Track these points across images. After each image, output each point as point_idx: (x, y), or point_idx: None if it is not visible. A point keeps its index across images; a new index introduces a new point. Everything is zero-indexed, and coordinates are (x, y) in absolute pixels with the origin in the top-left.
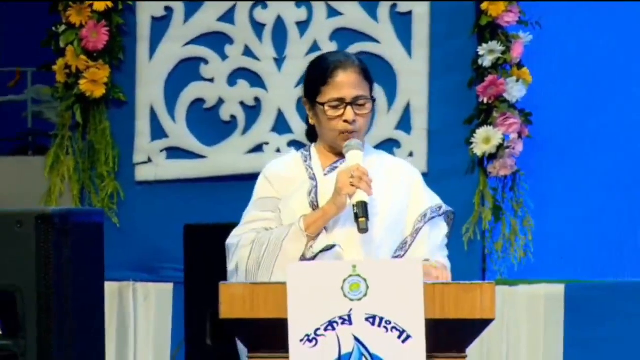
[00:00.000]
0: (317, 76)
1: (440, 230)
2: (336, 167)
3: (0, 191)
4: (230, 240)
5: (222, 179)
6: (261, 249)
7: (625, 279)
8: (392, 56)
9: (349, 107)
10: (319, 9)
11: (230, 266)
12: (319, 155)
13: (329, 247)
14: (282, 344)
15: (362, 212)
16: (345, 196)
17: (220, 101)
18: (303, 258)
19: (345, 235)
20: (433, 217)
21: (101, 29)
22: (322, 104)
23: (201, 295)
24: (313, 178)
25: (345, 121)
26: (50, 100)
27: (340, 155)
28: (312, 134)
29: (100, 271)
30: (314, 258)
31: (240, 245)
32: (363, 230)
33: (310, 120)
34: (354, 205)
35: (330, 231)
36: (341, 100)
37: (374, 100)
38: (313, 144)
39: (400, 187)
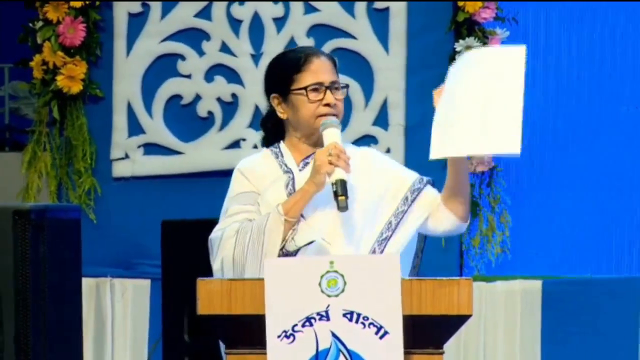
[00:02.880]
0: (288, 67)
1: (432, 189)
2: (309, 163)
3: None
4: (214, 234)
5: (200, 175)
6: (245, 238)
7: (601, 275)
8: (369, 52)
9: (328, 91)
10: (296, 5)
11: (216, 259)
12: (290, 150)
13: (310, 242)
14: (259, 340)
15: (341, 190)
16: (324, 174)
17: (198, 97)
18: (286, 252)
19: (326, 220)
20: (420, 188)
21: (78, 25)
22: (303, 89)
23: (178, 291)
24: (289, 171)
25: (327, 104)
26: (27, 96)
27: (315, 147)
28: (273, 135)
29: (77, 267)
30: (296, 252)
31: (225, 237)
32: (343, 208)
33: (282, 115)
34: (332, 184)
35: (310, 216)
36: (320, 84)
37: (346, 87)
38: (281, 141)
39: (375, 173)
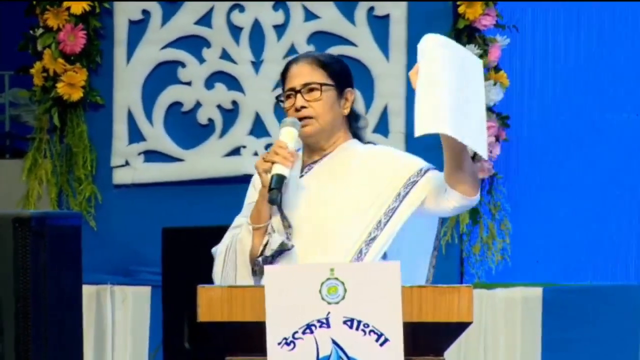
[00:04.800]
0: (281, 77)
1: (433, 174)
2: (312, 167)
3: None
4: (214, 248)
5: (200, 182)
6: (230, 250)
7: (601, 282)
8: (369, 59)
9: (298, 95)
10: (296, 12)
11: (213, 271)
12: (304, 155)
13: (287, 248)
14: (260, 347)
15: (274, 183)
16: (263, 173)
17: (198, 104)
18: (266, 258)
19: (307, 225)
20: (416, 181)
21: (78, 32)
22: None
23: (179, 298)
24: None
25: (296, 109)
26: (27, 103)
27: (321, 153)
28: None
29: (77, 274)
30: (272, 257)
31: (219, 252)
32: (271, 201)
33: None
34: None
35: (294, 221)
36: (292, 90)
37: (338, 88)
38: None
39: (379, 171)
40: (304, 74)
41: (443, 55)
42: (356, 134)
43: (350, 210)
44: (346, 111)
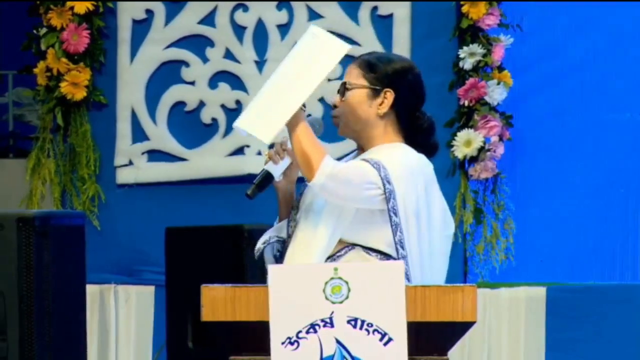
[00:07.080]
0: None
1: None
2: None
3: None
4: None
5: (203, 181)
6: None
7: (605, 282)
8: None
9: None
10: (300, 11)
11: None
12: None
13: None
14: (264, 347)
15: (257, 179)
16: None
17: (201, 104)
18: (274, 258)
19: (299, 222)
20: None
21: (82, 31)
22: None
23: (182, 298)
24: None
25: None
26: (31, 103)
27: (359, 150)
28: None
29: (81, 274)
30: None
31: None
32: (246, 195)
33: None
34: None
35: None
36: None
37: (373, 87)
38: None
39: None
40: (346, 73)
41: (298, 47)
42: (410, 137)
43: (333, 214)
44: (381, 111)
